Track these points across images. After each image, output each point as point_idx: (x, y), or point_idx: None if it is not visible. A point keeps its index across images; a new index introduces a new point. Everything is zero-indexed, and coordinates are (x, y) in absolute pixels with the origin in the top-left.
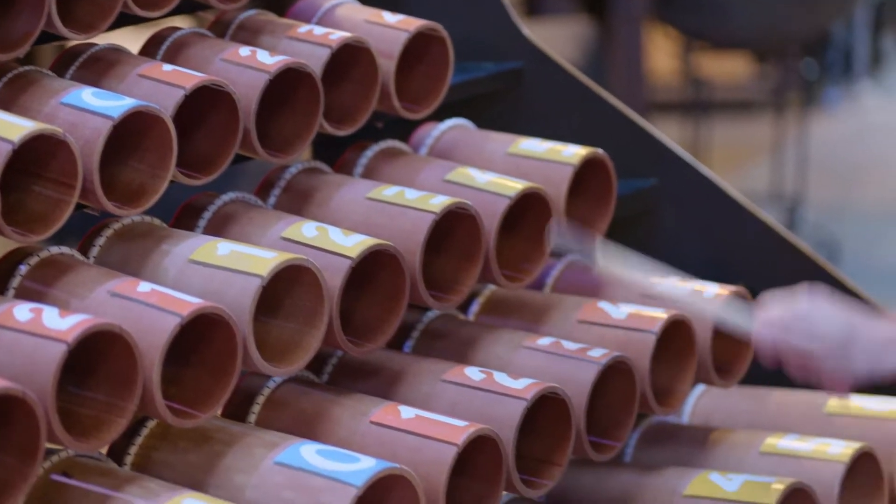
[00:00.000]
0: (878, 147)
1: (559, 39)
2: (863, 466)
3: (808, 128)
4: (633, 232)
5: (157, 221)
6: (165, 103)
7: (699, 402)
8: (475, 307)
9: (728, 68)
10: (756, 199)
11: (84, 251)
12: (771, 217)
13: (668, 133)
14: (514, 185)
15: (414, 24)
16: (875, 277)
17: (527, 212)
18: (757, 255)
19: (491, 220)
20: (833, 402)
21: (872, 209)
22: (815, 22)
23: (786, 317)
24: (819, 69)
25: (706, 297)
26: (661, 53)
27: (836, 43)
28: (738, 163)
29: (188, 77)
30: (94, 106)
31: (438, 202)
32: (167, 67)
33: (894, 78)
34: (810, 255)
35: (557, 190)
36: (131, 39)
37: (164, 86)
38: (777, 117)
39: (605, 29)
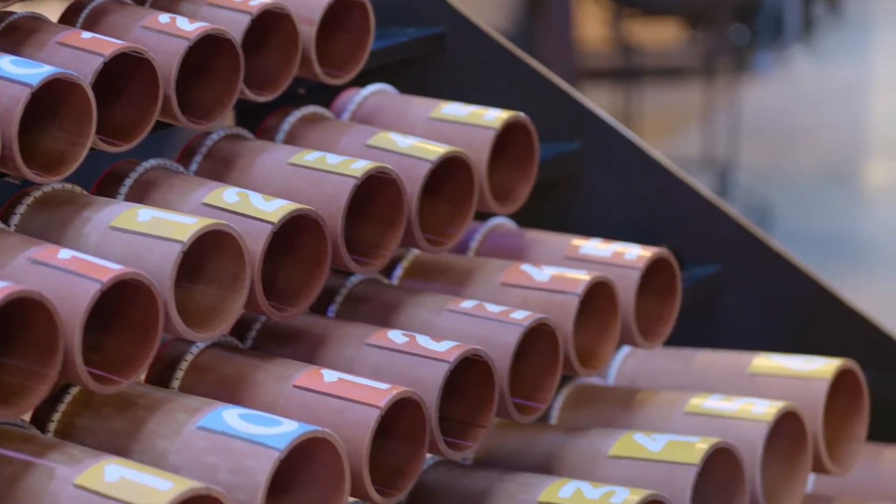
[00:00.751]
0: (810, 112)
1: (488, 7)
2: (787, 426)
3: (739, 93)
4: (557, 195)
5: (77, 189)
6: (84, 71)
7: (624, 363)
8: (399, 271)
9: (658, 35)
10: (688, 165)
11: (4, 219)
12: (703, 182)
13: (599, 100)
14: (436, 150)
15: None
16: (807, 241)
17: (449, 176)
18: (682, 217)
19: (413, 185)
20: (757, 362)
21: (804, 173)
22: None
23: None
24: (750, 34)
25: None
26: (592, 20)
27: (766, 8)
28: (670, 129)
29: (107, 44)
30: (13, 74)
31: (360, 167)
32: (86, 35)
33: (825, 43)
34: (736, 218)
35: (479, 154)
36: (51, 8)
37: (84, 53)
38: (708, 83)
39: None
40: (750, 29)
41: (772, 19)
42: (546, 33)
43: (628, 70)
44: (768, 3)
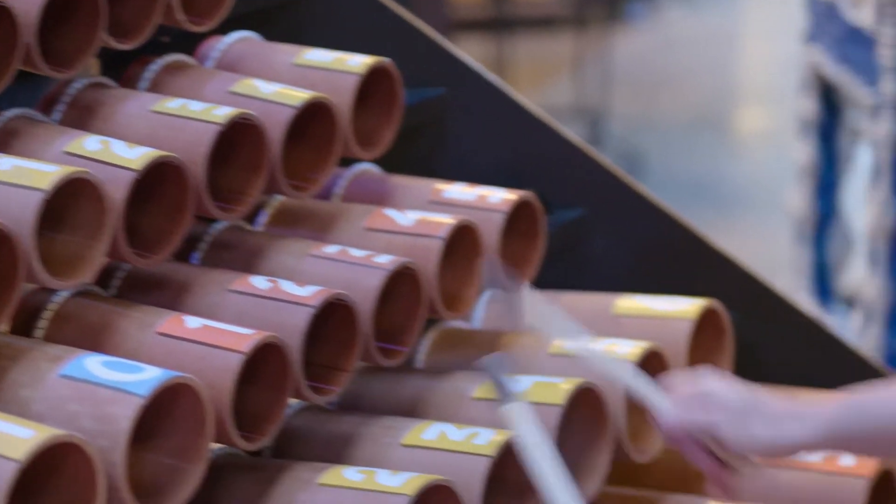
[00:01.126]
0: (681, 60)
1: None
2: (650, 365)
3: (611, 42)
4: (422, 141)
5: None
6: None
7: (490, 306)
8: (263, 218)
9: None
10: (560, 114)
11: None
12: (575, 131)
13: (472, 51)
14: (299, 95)
15: None
16: (678, 187)
17: (313, 122)
18: (548, 162)
19: (276, 131)
20: (621, 303)
21: (675, 121)
22: None
23: (691, 395)
24: None
25: (620, 364)
26: None
27: None
28: (543, 79)
29: None
30: None
31: (222, 113)
32: None
33: None
34: (602, 163)
35: (343, 99)
36: None
37: None
38: (580, 33)
39: None
40: None
41: None
42: None
43: (500, 20)
44: None
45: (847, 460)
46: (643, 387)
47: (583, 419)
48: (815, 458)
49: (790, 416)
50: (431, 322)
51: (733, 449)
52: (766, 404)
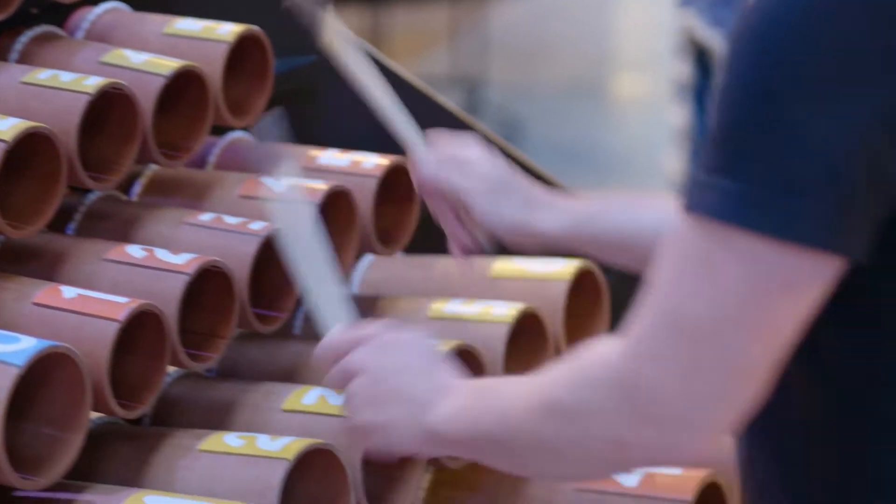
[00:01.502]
0: (558, 28)
1: None
2: (527, 327)
3: (486, 11)
4: (296, 110)
5: None
6: None
7: (367, 272)
8: (138, 188)
9: None
10: (438, 83)
11: None
12: (453, 100)
13: (349, 21)
14: (170, 64)
15: None
16: (556, 153)
17: (185, 90)
18: (423, 129)
19: (147, 100)
20: (498, 265)
21: (553, 87)
22: None
23: (452, 156)
24: None
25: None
26: None
27: None
28: (420, 49)
29: None
30: None
31: (93, 83)
32: None
33: None
34: (478, 128)
35: (213, 67)
36: None
37: None
38: (455, 2)
39: None
40: None
41: None
42: None
43: None
44: None
45: (666, 479)
46: (410, 133)
47: None
48: (631, 482)
49: (543, 204)
50: None
51: (480, 222)
52: (523, 187)
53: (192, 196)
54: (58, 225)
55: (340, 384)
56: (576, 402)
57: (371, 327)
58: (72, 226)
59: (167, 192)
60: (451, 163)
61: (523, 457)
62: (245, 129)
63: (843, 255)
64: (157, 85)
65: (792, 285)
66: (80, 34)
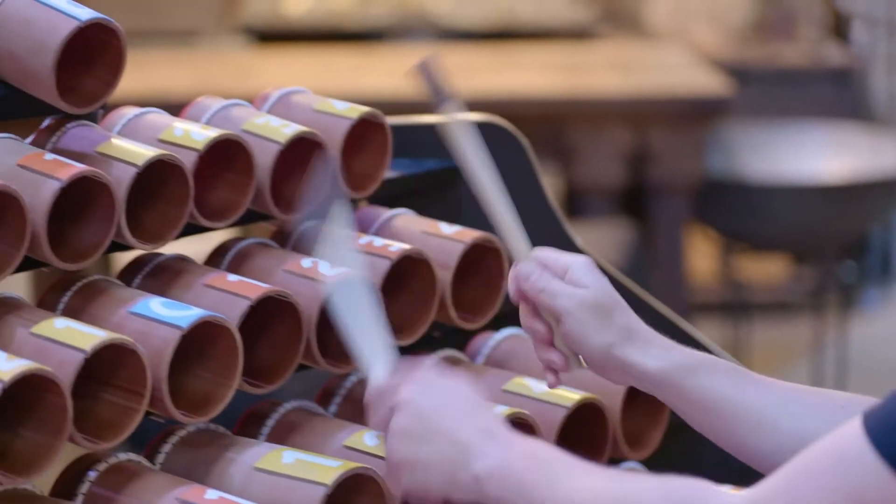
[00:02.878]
0: None
1: (601, 241)
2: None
3: (847, 330)
4: None
5: (221, 429)
6: (231, 313)
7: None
8: None
9: (767, 270)
10: None
11: (149, 457)
12: None
13: (709, 334)
14: (572, 396)
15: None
16: None
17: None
18: None
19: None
20: None
21: None
22: (852, 225)
23: (550, 266)
24: (858, 271)
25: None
26: (701, 255)
27: (873, 245)
28: (779, 363)
29: (253, 288)
30: (163, 316)
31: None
32: (232, 278)
33: None
34: None
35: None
36: (193, 248)
37: (230, 296)
38: (816, 318)
39: (647, 231)
40: (859, 266)
41: (879, 256)
42: (659, 268)
43: (737, 304)
44: (875, 240)
45: None
46: (518, 241)
47: None
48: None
49: (641, 339)
50: None
51: (568, 343)
52: (624, 316)
53: None
54: None
55: (385, 423)
56: None
57: (418, 369)
58: None
59: None
60: (552, 278)
61: None
62: None
63: None
64: (560, 416)
65: None
66: (479, 359)
